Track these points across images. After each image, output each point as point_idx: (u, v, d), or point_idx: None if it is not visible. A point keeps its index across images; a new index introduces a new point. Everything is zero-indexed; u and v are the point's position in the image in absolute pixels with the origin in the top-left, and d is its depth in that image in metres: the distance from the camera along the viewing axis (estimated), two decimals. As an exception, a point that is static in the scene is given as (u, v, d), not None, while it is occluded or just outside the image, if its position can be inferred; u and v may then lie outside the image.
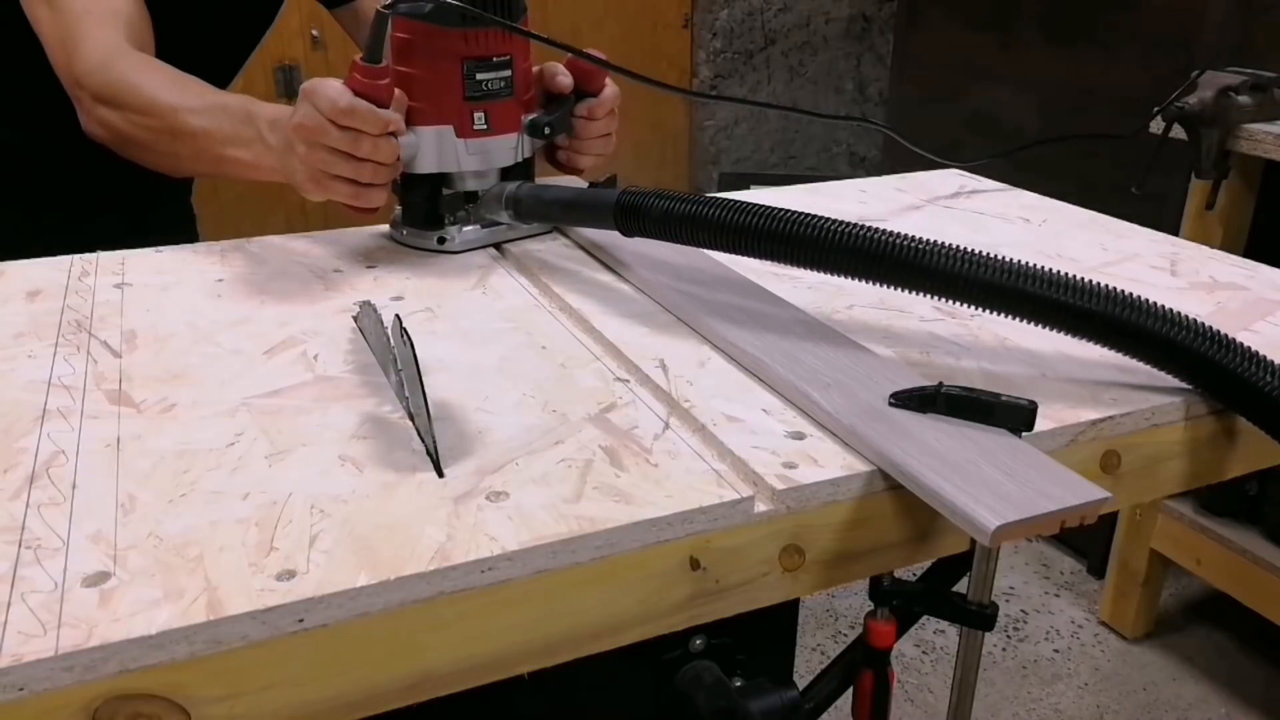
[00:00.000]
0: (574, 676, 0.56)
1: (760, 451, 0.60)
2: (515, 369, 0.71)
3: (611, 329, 0.77)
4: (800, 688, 0.67)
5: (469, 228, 0.95)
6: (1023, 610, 2.09)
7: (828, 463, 0.59)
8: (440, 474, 0.57)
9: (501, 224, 0.96)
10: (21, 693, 0.42)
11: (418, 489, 0.55)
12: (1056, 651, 1.97)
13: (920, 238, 0.67)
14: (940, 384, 0.62)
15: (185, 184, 1.31)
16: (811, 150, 3.33)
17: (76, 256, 0.91)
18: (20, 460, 0.58)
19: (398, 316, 0.63)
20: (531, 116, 0.96)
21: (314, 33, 2.67)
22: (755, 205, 0.72)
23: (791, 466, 0.58)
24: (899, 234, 0.68)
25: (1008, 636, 2.01)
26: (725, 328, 0.74)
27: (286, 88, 2.69)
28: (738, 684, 0.64)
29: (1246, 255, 0.99)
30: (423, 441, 0.60)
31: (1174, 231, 1.71)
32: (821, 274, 0.72)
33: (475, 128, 0.91)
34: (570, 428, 0.63)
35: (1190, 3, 1.94)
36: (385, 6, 0.81)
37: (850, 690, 0.76)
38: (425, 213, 0.95)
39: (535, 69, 0.97)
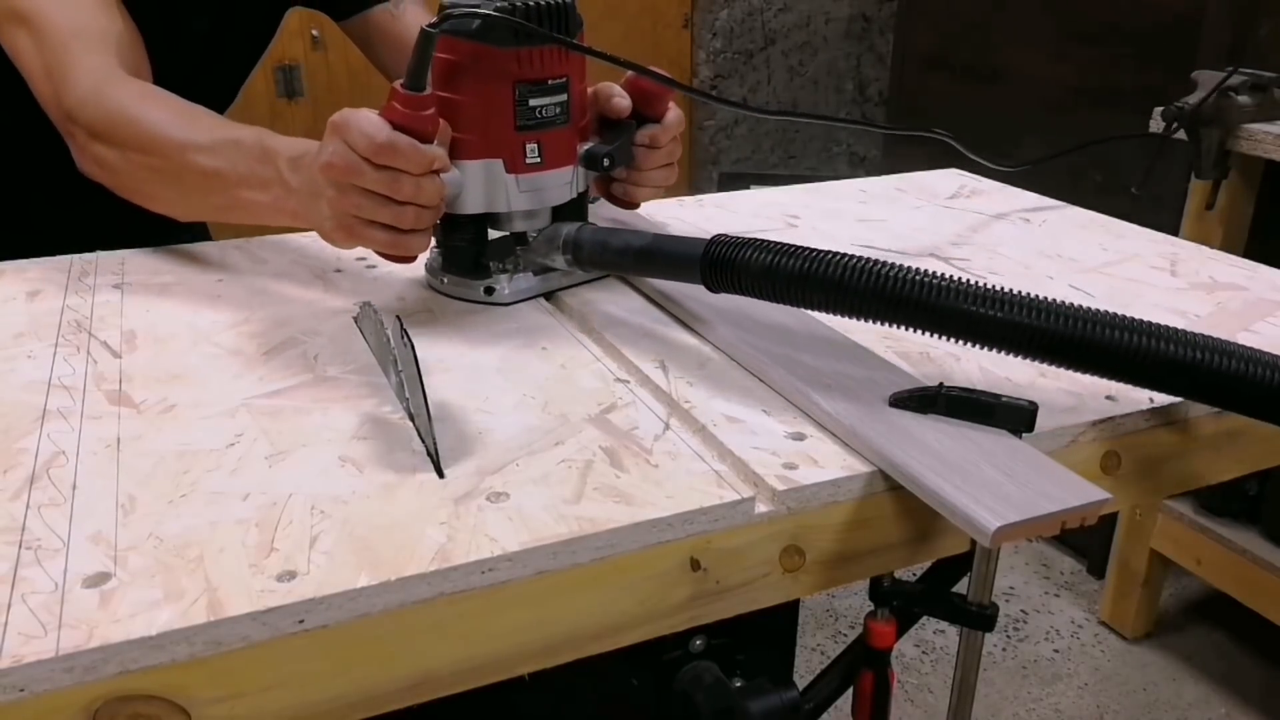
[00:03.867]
0: (574, 677, 0.56)
1: (760, 452, 0.60)
2: (515, 370, 0.71)
3: (613, 331, 0.77)
4: (800, 688, 0.67)
5: (520, 276, 0.83)
6: (1023, 610, 2.09)
7: (828, 463, 0.59)
8: (440, 474, 0.57)
9: (555, 270, 0.84)
10: (22, 694, 0.42)
11: (418, 490, 0.55)
12: (1056, 651, 1.97)
13: (1130, 320, 0.60)
14: (941, 385, 0.62)
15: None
16: (811, 150, 3.33)
17: (76, 256, 0.91)
18: (20, 461, 0.58)
19: (398, 317, 0.63)
20: (587, 146, 0.84)
21: (314, 33, 2.67)
22: (897, 267, 0.62)
23: (792, 467, 0.58)
24: (1099, 314, 0.60)
25: (1008, 636, 2.01)
26: (726, 328, 0.74)
27: (286, 88, 2.69)
28: (738, 684, 0.64)
29: (1246, 255, 0.99)
30: (423, 442, 0.60)
31: (1174, 231, 1.71)
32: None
33: (527, 161, 0.79)
34: (570, 428, 0.63)
35: (1190, 3, 1.94)
36: (431, 24, 0.70)
37: (850, 690, 0.76)
38: (469, 259, 0.83)
39: (589, 90, 0.86)
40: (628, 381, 0.69)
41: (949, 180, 1.26)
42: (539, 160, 0.79)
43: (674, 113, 0.88)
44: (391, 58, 1.12)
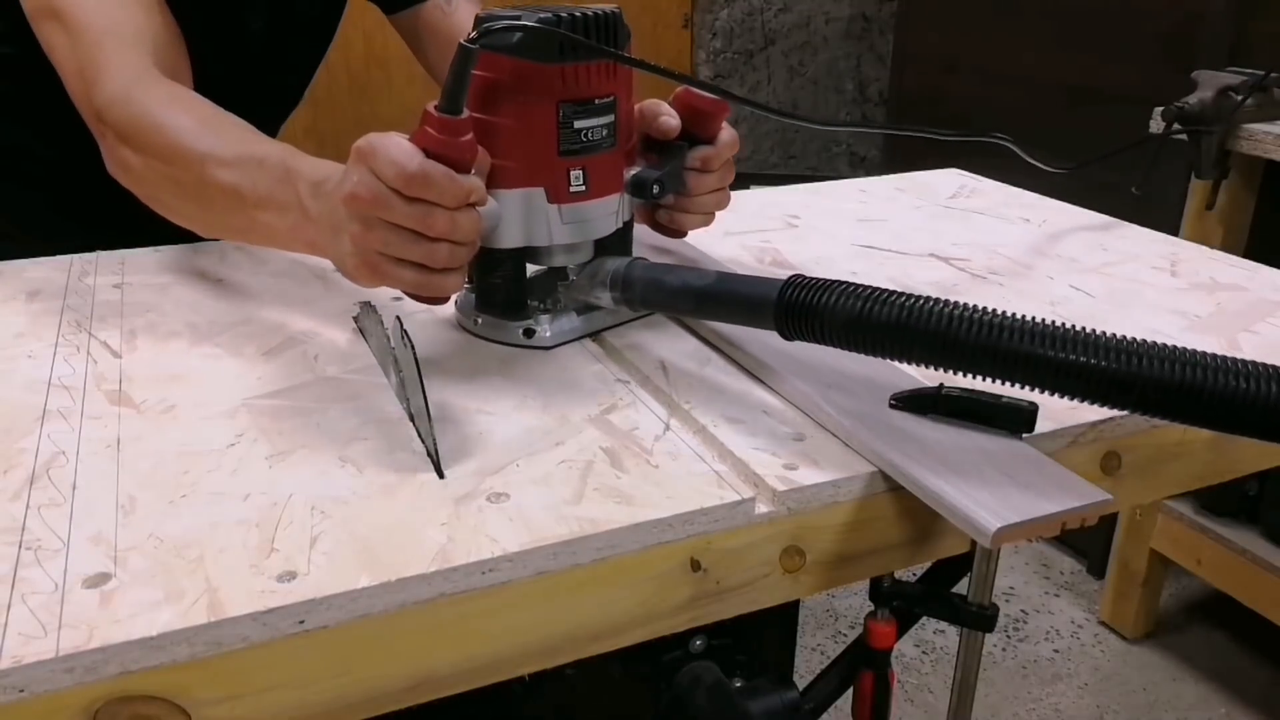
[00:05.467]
0: (574, 678, 0.56)
1: (761, 453, 0.60)
2: (516, 370, 0.71)
3: (615, 334, 0.77)
4: (800, 688, 0.67)
5: (564, 317, 0.76)
6: (1023, 610, 2.09)
7: (828, 464, 0.59)
8: (441, 475, 0.57)
9: (599, 308, 0.77)
10: (22, 694, 0.42)
11: (418, 490, 0.55)
12: (1056, 651, 1.97)
13: None
14: (941, 385, 0.62)
15: None
16: (811, 150, 3.33)
17: (76, 256, 0.91)
18: (20, 461, 0.58)
19: (398, 318, 0.63)
20: (634, 171, 0.76)
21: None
22: (1014, 318, 0.56)
23: (792, 468, 0.58)
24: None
25: (1008, 636, 2.01)
26: (726, 329, 0.74)
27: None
28: (738, 685, 0.64)
29: (1246, 255, 0.99)
30: (423, 442, 0.60)
31: (1174, 231, 1.71)
32: (821, 273, 0.64)
33: (571, 189, 0.71)
34: (571, 429, 0.63)
35: (1190, 3, 1.94)
36: (470, 38, 0.62)
37: (850, 690, 0.76)
38: (506, 298, 0.75)
39: (635, 108, 0.78)
40: (628, 382, 0.69)
41: (949, 180, 1.26)
42: (583, 188, 0.71)
43: (728, 132, 0.80)
44: (439, 56, 1.09)
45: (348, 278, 0.66)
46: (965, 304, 0.57)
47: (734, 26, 3.07)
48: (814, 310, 0.60)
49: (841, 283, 0.60)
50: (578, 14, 0.67)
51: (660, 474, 0.57)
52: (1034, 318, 0.55)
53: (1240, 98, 1.57)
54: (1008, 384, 0.56)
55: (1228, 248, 1.41)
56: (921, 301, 0.57)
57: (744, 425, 0.63)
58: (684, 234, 0.85)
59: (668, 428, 0.63)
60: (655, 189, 0.75)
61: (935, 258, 0.96)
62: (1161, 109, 1.59)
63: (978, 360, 0.55)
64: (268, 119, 1.12)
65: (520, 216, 0.71)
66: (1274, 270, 0.95)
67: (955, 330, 0.55)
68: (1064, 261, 0.96)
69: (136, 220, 0.84)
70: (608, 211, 0.74)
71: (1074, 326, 0.55)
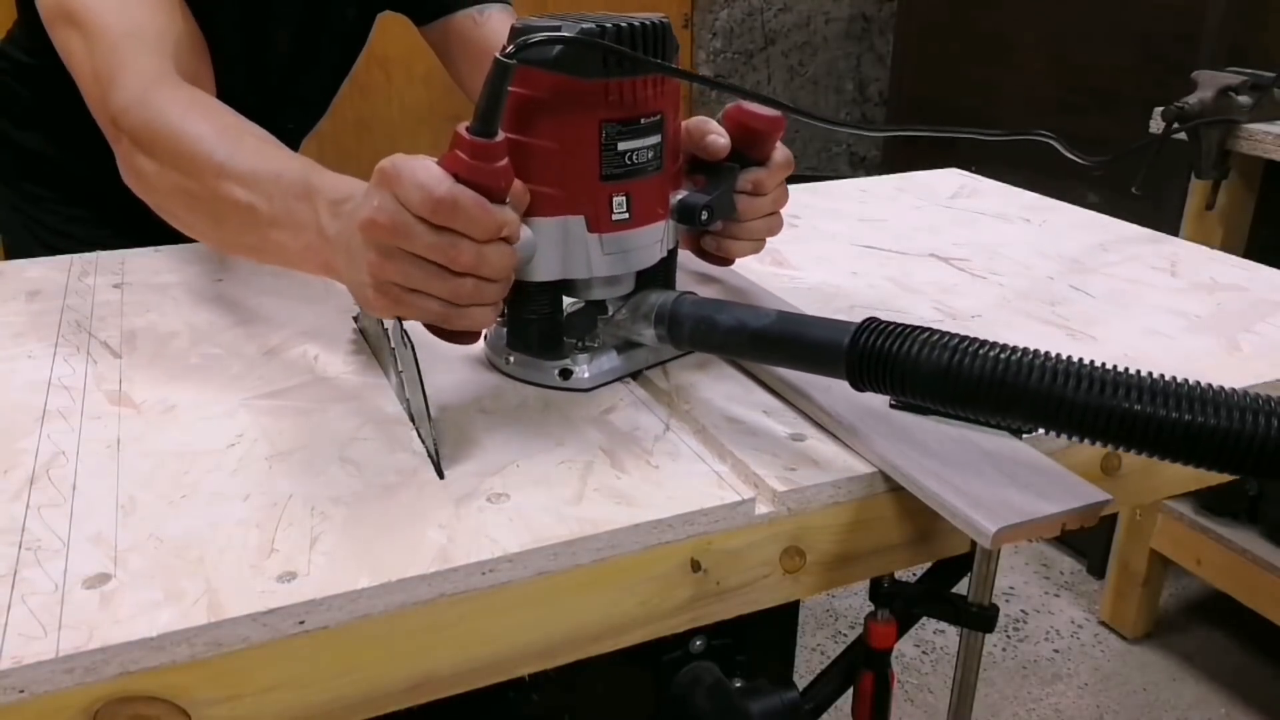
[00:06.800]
0: (574, 678, 0.56)
1: (761, 453, 0.60)
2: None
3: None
4: (800, 688, 0.67)
5: (603, 355, 0.69)
6: (1023, 610, 2.09)
7: (828, 465, 0.59)
8: (441, 475, 0.57)
9: (640, 346, 0.70)
10: (22, 695, 0.42)
11: (418, 490, 0.55)
12: (1056, 651, 1.97)
13: None
14: (941, 385, 0.61)
15: None
16: (812, 150, 3.33)
17: (76, 256, 0.91)
18: (20, 461, 0.58)
19: (399, 318, 0.62)
20: (680, 195, 0.69)
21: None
22: (1136, 375, 0.49)
23: (792, 468, 0.58)
24: None
25: (1008, 636, 2.01)
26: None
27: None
28: (738, 685, 0.64)
29: (1246, 255, 0.99)
30: (423, 443, 0.60)
31: (1174, 231, 1.71)
32: (821, 273, 0.65)
33: (614, 217, 0.64)
34: (571, 429, 0.62)
35: (1190, 3, 1.94)
36: (507, 52, 0.56)
37: (850, 690, 0.76)
38: (540, 335, 0.68)
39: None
40: (628, 382, 0.69)
41: (949, 180, 1.26)
42: (626, 216, 0.65)
43: (782, 152, 0.74)
44: (469, 69, 1.07)
45: (363, 307, 0.62)
46: (1072, 358, 0.50)
47: (734, 26, 3.07)
48: (893, 360, 0.53)
49: (923, 329, 0.54)
50: (624, 24, 0.61)
51: (660, 474, 0.57)
52: (1150, 373, 0.49)
53: (1240, 98, 1.57)
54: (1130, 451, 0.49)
55: (1228, 248, 1.41)
56: (1021, 354, 0.50)
57: (744, 425, 0.63)
58: (731, 261, 0.80)
59: (668, 428, 0.63)
60: (704, 215, 0.68)
61: (935, 258, 0.96)
62: (1161, 109, 1.59)
63: (1093, 424, 0.49)
64: (291, 132, 1.12)
65: (557, 247, 0.64)
66: (1274, 270, 0.95)
67: (1063, 388, 0.49)
68: (1064, 261, 0.96)
69: (153, 233, 0.83)
70: (652, 240, 0.67)
71: (1206, 385, 0.48)
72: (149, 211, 0.76)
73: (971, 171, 1.26)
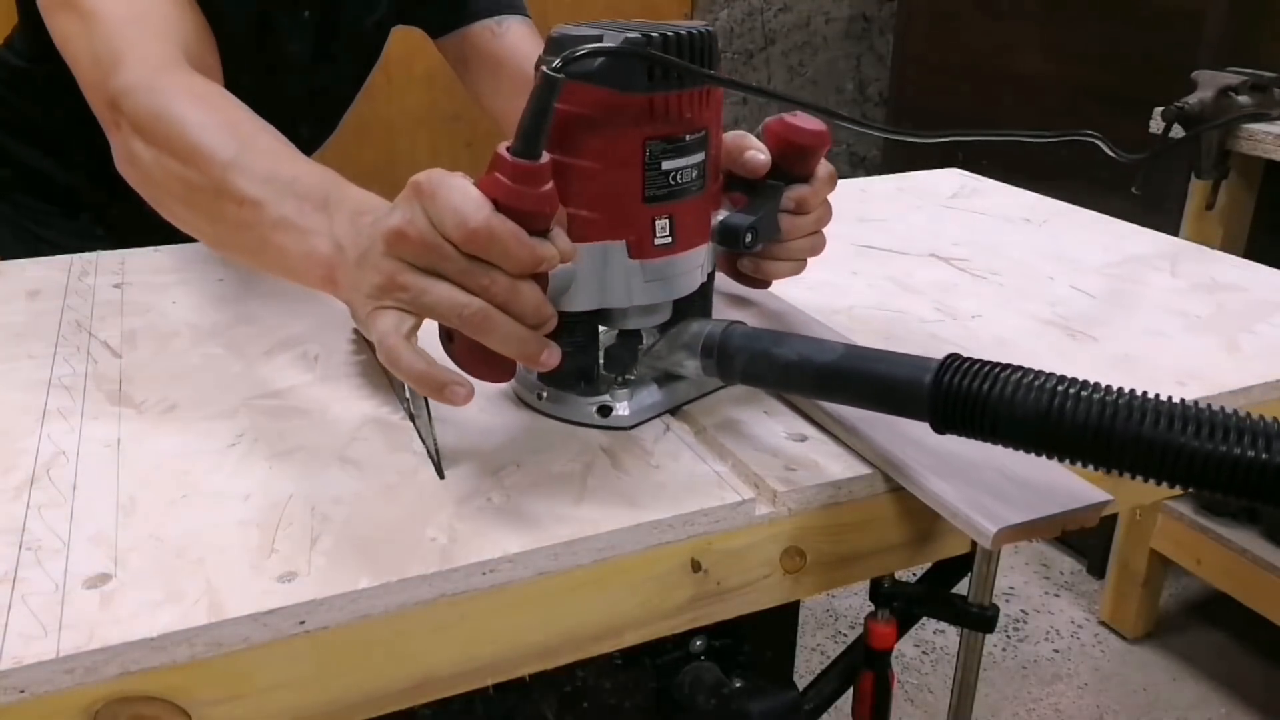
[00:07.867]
0: (575, 678, 0.56)
1: (761, 454, 0.60)
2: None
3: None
4: (800, 688, 0.67)
5: (644, 390, 0.64)
6: (1023, 610, 2.09)
7: (829, 465, 0.59)
8: (441, 475, 0.57)
9: (680, 378, 0.65)
10: (22, 695, 0.42)
11: (419, 491, 0.55)
12: (1056, 651, 1.97)
13: None
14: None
15: None
16: (811, 150, 3.33)
17: (76, 256, 0.91)
18: (21, 461, 0.58)
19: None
20: (721, 216, 0.65)
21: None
22: (1252, 420, 0.44)
23: (792, 469, 0.58)
24: None
25: (1008, 636, 2.01)
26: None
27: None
28: (738, 685, 0.64)
29: (1246, 255, 0.99)
30: (424, 443, 0.60)
31: (1174, 231, 1.71)
32: (821, 273, 0.62)
33: (657, 242, 0.60)
34: (571, 429, 0.62)
35: (1190, 3, 1.94)
36: (554, 66, 0.50)
37: (850, 691, 0.76)
38: (576, 368, 0.63)
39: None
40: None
41: (949, 180, 1.26)
42: (669, 240, 0.60)
43: (825, 168, 0.69)
44: (488, 82, 1.03)
45: (361, 327, 0.56)
46: (1189, 402, 0.45)
47: (734, 26, 3.07)
48: (984, 402, 0.49)
49: (1012, 368, 0.49)
50: (669, 33, 0.56)
51: (661, 474, 0.57)
52: (1249, 414, 0.44)
53: (1240, 98, 1.57)
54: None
55: (1228, 248, 1.42)
56: (1129, 397, 0.46)
57: (744, 426, 0.63)
58: (769, 284, 0.75)
59: (668, 428, 0.63)
60: (749, 238, 0.64)
61: (935, 258, 0.96)
62: (1161, 109, 1.59)
63: (1213, 476, 0.44)
64: (305, 142, 1.11)
65: (597, 275, 0.59)
66: (1274, 270, 0.95)
67: (1177, 435, 0.44)
68: (1064, 261, 0.96)
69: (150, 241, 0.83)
70: (693, 265, 0.63)
71: None
72: (145, 223, 0.74)
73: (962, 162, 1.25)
